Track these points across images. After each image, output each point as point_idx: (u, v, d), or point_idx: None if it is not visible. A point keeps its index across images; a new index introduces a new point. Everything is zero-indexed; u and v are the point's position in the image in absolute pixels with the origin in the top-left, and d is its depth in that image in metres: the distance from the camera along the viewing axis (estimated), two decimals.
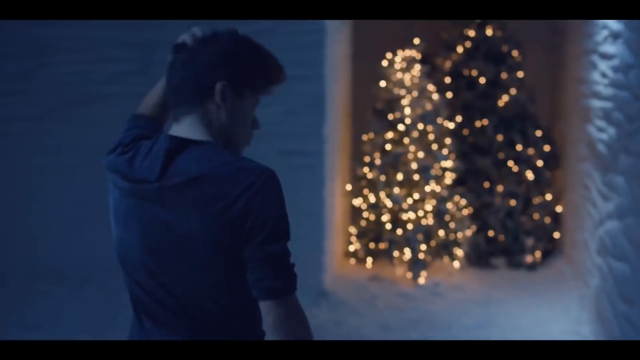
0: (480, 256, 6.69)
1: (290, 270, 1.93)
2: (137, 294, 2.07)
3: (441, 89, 6.77)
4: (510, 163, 6.74)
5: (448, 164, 6.18)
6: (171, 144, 1.98)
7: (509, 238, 6.70)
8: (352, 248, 6.40)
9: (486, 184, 6.77)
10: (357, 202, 6.36)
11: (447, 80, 6.94)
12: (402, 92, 6.20)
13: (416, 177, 6.10)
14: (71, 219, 6.10)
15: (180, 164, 1.95)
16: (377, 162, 6.17)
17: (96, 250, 5.97)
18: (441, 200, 6.12)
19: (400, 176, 6.13)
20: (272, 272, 1.89)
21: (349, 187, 6.41)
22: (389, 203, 6.13)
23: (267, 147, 5.23)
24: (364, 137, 6.40)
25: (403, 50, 6.30)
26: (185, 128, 2.03)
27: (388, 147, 6.23)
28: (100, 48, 5.99)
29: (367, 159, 6.27)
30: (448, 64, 7.00)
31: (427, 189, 6.09)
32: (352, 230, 6.41)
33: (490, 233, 6.72)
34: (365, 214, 6.31)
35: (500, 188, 6.71)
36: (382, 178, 6.13)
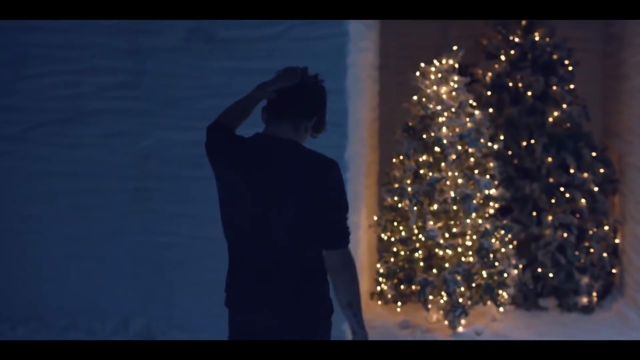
0: (528, 297, 6.04)
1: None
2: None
3: (482, 103, 6.11)
4: (562, 189, 6.08)
5: (492, 191, 5.48)
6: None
7: (561, 276, 6.04)
8: (379, 289, 5.70)
9: (534, 214, 6.11)
10: (386, 235, 5.67)
11: (489, 93, 6.28)
12: (438, 107, 5.51)
13: (455, 207, 5.39)
14: (56, 255, 5.47)
15: None
16: (409, 189, 5.47)
17: (83, 292, 5.44)
18: (484, 234, 5.41)
19: (435, 206, 5.43)
20: None
21: (375, 218, 5.72)
22: (422, 238, 5.43)
23: None
24: (394, 161, 5.70)
25: (438, 59, 5.61)
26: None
27: (422, 172, 5.54)
28: (88, 57, 5.37)
29: (397, 185, 5.57)
30: (490, 75, 6.33)
31: (468, 221, 5.38)
32: (380, 268, 5.72)
33: (539, 270, 6.05)
34: (394, 250, 5.62)
35: (550, 218, 6.06)
36: (415, 208, 5.43)
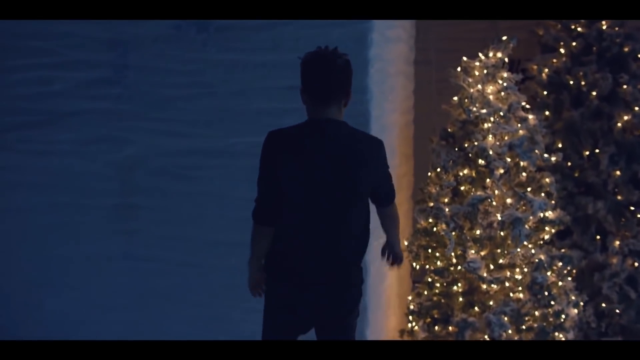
0: (590, 338, 5.20)
1: None
2: None
3: (537, 106, 5.26)
4: (632, 208, 5.26)
5: (548, 213, 4.60)
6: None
7: (630, 313, 5.22)
8: (409, 327, 4.87)
9: (598, 238, 5.29)
10: (418, 264, 4.83)
11: (545, 93, 5.42)
12: (483, 110, 4.65)
13: (502, 233, 4.53)
14: (25, 281, 4.76)
15: None
16: (446, 210, 4.62)
17: (56, 324, 4.75)
18: (537, 266, 4.54)
19: (478, 231, 4.58)
20: None
21: (407, 243, 4.87)
22: (462, 269, 4.58)
23: None
24: (429, 174, 4.85)
25: (484, 52, 4.75)
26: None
27: (462, 189, 4.68)
28: (62, 48, 4.63)
29: (432, 205, 4.72)
30: (547, 71, 5.46)
31: (518, 250, 4.52)
32: (411, 303, 4.88)
33: (604, 305, 5.23)
34: (429, 281, 4.78)
35: (617, 243, 5.23)
36: (453, 233, 4.58)
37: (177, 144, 4.42)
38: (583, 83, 5.31)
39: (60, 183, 4.71)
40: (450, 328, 4.68)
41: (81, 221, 4.71)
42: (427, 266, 4.82)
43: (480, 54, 4.77)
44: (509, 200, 4.58)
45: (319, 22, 4.17)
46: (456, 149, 4.76)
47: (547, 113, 5.39)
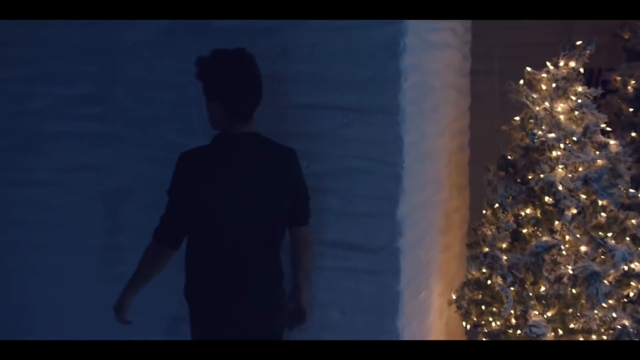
0: None
1: None
2: None
3: (621, 127, 4.36)
4: None
5: (634, 265, 3.69)
6: None
7: None
8: None
9: None
10: (469, 323, 3.97)
11: (631, 110, 4.52)
12: (551, 134, 3.78)
13: (574, 290, 3.65)
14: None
15: None
16: (504, 258, 3.76)
17: None
18: (620, 333, 3.63)
19: (543, 288, 3.70)
20: None
21: (454, 296, 4.02)
22: (522, 333, 3.71)
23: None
24: (484, 212, 3.99)
25: (554, 61, 3.88)
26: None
27: (524, 232, 3.82)
28: (39, 58, 3.94)
29: (486, 250, 3.87)
30: (633, 84, 4.57)
31: (594, 312, 3.62)
32: None
33: None
34: None
35: None
36: (512, 289, 3.72)
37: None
38: None
39: (36, 218, 4.04)
40: None
41: (61, 265, 4.03)
42: (480, 326, 3.97)
43: (548, 63, 3.90)
44: (583, 249, 3.70)
45: (337, 23, 3.38)
46: (517, 182, 3.89)
47: (633, 135, 4.50)
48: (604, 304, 3.62)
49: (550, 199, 3.72)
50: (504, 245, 3.84)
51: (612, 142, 3.86)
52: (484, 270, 3.86)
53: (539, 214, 3.80)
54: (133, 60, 3.80)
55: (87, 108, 3.92)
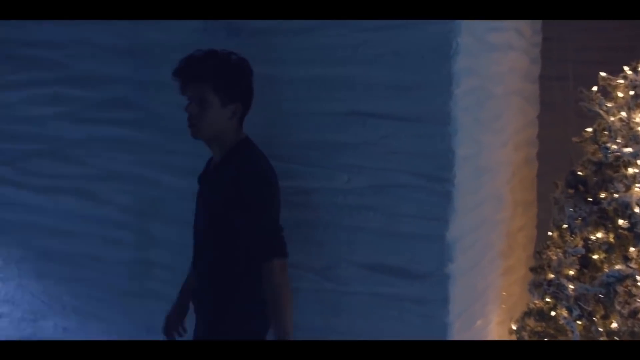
0: None
1: None
2: None
3: None
4: None
5: None
6: None
7: None
8: None
9: None
10: None
11: None
12: (628, 149, 3.36)
13: None
14: None
15: None
16: (570, 287, 3.35)
17: None
18: None
19: (615, 324, 3.27)
20: None
21: (514, 327, 3.62)
22: None
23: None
24: (550, 235, 3.58)
25: (633, 65, 3.46)
26: None
27: (594, 258, 3.40)
28: (70, 59, 3.75)
29: (551, 277, 3.45)
30: None
31: None
32: None
33: None
34: None
35: None
36: (579, 323, 3.31)
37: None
38: None
39: (65, 227, 3.82)
40: None
41: (91, 277, 3.81)
42: None
43: (626, 68, 3.47)
44: None
45: (383, 22, 3.03)
46: (588, 202, 3.47)
47: None
48: None
49: (625, 222, 3.29)
50: (571, 273, 3.42)
51: None
52: (547, 300, 3.46)
53: (611, 239, 3.36)
54: (166, 62, 3.53)
55: (119, 113, 3.68)
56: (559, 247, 3.52)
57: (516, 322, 3.62)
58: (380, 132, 3.13)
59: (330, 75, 3.18)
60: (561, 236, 3.53)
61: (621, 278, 3.25)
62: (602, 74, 3.50)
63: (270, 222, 2.81)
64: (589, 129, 3.53)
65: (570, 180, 3.57)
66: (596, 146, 3.47)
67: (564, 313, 3.34)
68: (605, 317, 3.31)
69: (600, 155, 3.42)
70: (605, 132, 3.46)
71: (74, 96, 3.76)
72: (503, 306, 3.78)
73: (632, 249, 3.29)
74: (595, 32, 4.77)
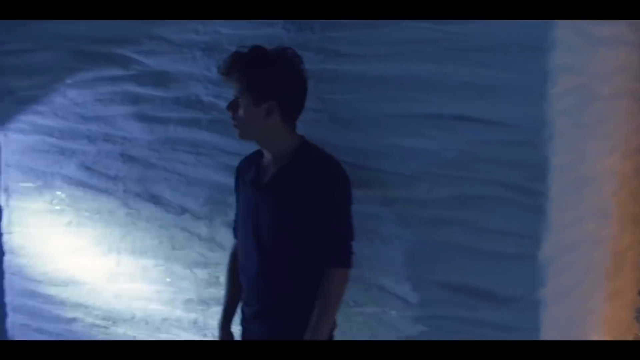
0: None
1: None
2: None
3: None
4: None
5: None
6: None
7: None
8: None
9: None
10: None
11: None
12: None
13: None
14: None
15: None
16: None
17: None
18: None
19: None
20: None
21: None
22: None
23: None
24: None
25: None
26: None
27: None
28: (128, 56, 3.55)
29: None
30: None
31: None
32: None
33: None
34: None
35: None
36: None
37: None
38: None
39: (132, 231, 3.66)
40: None
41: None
42: None
43: None
44: None
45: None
46: None
47: None
48: None
49: None
50: None
51: None
52: None
53: None
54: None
55: (188, 113, 3.46)
56: None
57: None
58: (464, 137, 2.79)
59: (405, 73, 2.87)
60: None
61: None
62: None
63: (342, 228, 2.69)
64: None
65: None
66: None
67: None
68: None
69: None
70: None
71: (144, 95, 3.57)
72: (608, 336, 3.37)
73: None
74: None
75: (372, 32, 2.90)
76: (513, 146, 2.71)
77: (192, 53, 3.40)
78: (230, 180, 3.29)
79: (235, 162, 3.31)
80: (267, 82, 2.62)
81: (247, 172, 2.84)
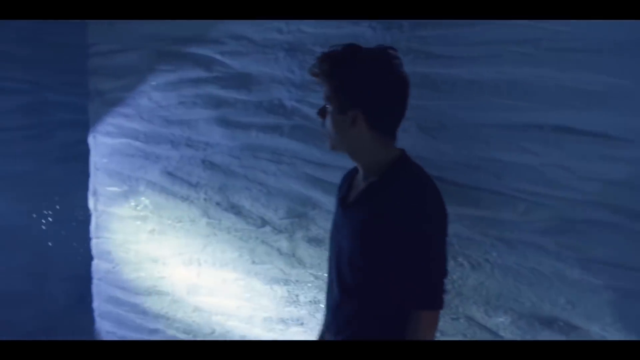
0: None
1: None
2: None
3: None
4: None
5: None
6: None
7: None
8: None
9: None
10: None
11: None
12: None
13: None
14: None
15: None
16: None
17: None
18: None
19: None
20: None
21: None
22: None
23: None
24: None
25: None
26: None
27: None
28: (210, 57, 3.35)
29: None
30: None
31: None
32: None
33: None
34: None
35: None
36: None
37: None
38: None
39: (211, 242, 3.45)
40: None
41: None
42: None
43: None
44: None
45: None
46: None
47: None
48: None
49: None
50: None
51: None
52: None
53: None
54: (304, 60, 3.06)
55: (270, 118, 3.24)
56: None
57: None
58: (567, 151, 2.42)
59: (503, 77, 2.53)
60: None
61: None
62: None
63: (433, 265, 2.18)
64: None
65: None
66: None
67: None
68: None
69: None
70: None
71: (226, 98, 3.38)
72: None
73: None
74: None
75: (465, 30, 2.58)
76: (624, 163, 2.33)
77: (275, 54, 3.18)
78: (312, 193, 3.04)
79: (318, 172, 3.07)
80: (353, 87, 2.22)
81: (342, 187, 2.47)
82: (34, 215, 4.77)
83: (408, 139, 2.72)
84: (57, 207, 4.66)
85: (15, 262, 4.97)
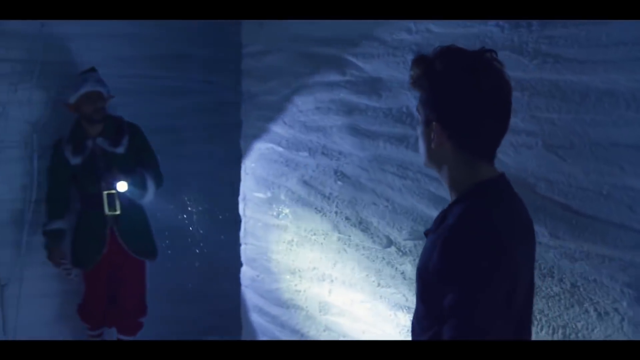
0: None
1: None
2: None
3: None
4: None
5: None
6: None
7: None
8: None
9: None
10: None
11: None
12: None
13: None
14: None
15: None
16: None
17: None
18: None
19: None
20: None
21: None
22: None
23: None
24: None
25: None
26: None
27: None
28: (342, 59, 3.10)
29: None
30: None
31: None
32: None
33: None
34: None
35: None
36: None
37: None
38: None
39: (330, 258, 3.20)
40: None
41: None
42: None
43: None
44: None
45: None
46: None
47: None
48: None
49: None
50: None
51: None
52: None
53: None
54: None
55: (398, 128, 2.93)
56: None
57: None
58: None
59: (574, 83, 2.07)
60: None
61: None
62: None
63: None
64: None
65: None
66: None
67: None
68: None
69: None
70: None
71: (358, 104, 3.11)
72: None
73: None
74: None
75: (599, 29, 2.13)
76: None
77: (403, 56, 2.85)
78: (434, 213, 2.72)
79: (440, 191, 2.73)
80: (436, 96, 1.87)
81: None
82: (195, 217, 4.79)
83: (532, 158, 2.32)
84: (226, 211, 4.64)
85: (185, 261, 5.03)
